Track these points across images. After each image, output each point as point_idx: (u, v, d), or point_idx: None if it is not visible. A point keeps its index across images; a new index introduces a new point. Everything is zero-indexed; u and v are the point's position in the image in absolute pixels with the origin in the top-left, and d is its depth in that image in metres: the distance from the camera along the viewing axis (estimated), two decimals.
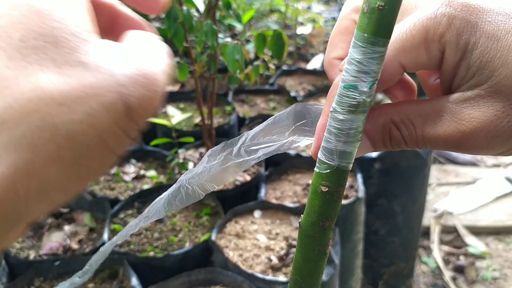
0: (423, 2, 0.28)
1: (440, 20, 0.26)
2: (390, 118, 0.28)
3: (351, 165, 0.28)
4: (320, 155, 0.28)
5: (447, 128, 0.26)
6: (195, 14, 1.13)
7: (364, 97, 0.26)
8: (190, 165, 1.32)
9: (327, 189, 0.28)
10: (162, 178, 1.32)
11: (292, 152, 1.36)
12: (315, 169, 0.29)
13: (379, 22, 0.24)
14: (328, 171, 0.28)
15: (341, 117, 0.27)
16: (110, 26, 0.27)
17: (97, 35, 0.21)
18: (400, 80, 0.31)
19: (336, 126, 0.27)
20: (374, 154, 1.39)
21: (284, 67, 2.12)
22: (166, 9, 0.97)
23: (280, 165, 1.32)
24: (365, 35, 0.25)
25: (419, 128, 0.27)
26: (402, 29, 0.27)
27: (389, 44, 0.26)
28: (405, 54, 0.27)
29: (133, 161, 1.40)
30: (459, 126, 0.26)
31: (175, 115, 1.43)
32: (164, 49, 0.23)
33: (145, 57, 0.21)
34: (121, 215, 1.14)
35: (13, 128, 0.17)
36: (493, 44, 0.25)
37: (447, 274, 1.78)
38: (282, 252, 1.02)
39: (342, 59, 0.31)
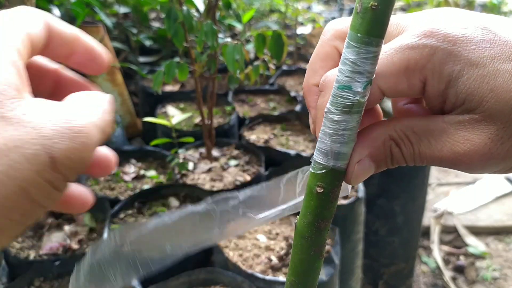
0: (407, 26, 0.28)
1: (422, 50, 0.26)
2: (388, 135, 0.28)
3: (346, 166, 0.28)
4: (315, 156, 0.28)
5: (442, 148, 0.26)
6: (195, 14, 1.13)
7: (358, 98, 0.26)
8: (190, 165, 1.32)
9: (322, 190, 0.28)
10: (162, 178, 1.32)
11: (292, 151, 1.36)
12: (310, 169, 0.29)
13: (373, 22, 0.24)
14: (323, 171, 0.28)
15: (335, 117, 0.26)
16: (56, 90, 0.29)
17: (29, 94, 0.22)
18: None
19: (331, 127, 0.27)
20: None
21: (284, 67, 2.12)
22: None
23: (280, 165, 1.32)
24: (359, 35, 0.25)
25: (416, 145, 0.27)
26: (383, 54, 0.27)
27: None
28: (384, 79, 0.27)
29: (133, 161, 1.40)
30: (454, 147, 0.26)
31: (175, 115, 1.43)
32: (103, 104, 0.25)
33: (75, 112, 0.22)
34: (121, 215, 1.14)
35: None
36: (479, 71, 0.25)
37: (447, 274, 1.78)
38: (282, 252, 1.02)
39: None
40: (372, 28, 0.24)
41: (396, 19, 0.29)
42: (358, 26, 0.25)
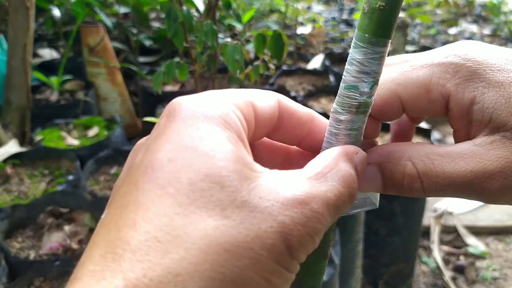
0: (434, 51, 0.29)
1: (447, 67, 0.26)
2: (408, 155, 0.26)
3: None
4: None
5: (473, 169, 0.25)
6: (195, 14, 1.13)
7: (365, 98, 0.26)
8: None
9: None
10: None
11: None
12: None
13: (380, 22, 0.24)
14: None
15: (342, 117, 0.26)
16: (284, 164, 0.29)
17: (260, 167, 0.22)
18: (404, 123, 0.31)
19: (337, 126, 0.27)
20: None
21: (284, 67, 2.12)
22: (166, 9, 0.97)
23: None
24: (366, 35, 0.25)
25: (440, 166, 0.25)
26: (408, 68, 0.27)
27: (392, 78, 0.26)
28: (406, 90, 0.27)
29: None
30: (487, 166, 0.25)
31: None
32: (342, 176, 0.23)
33: (309, 191, 0.21)
34: None
35: (187, 280, 0.17)
36: (505, 90, 0.25)
37: (447, 274, 1.78)
38: None
39: None
40: (380, 29, 0.24)
41: (428, 52, 0.30)
42: (365, 26, 0.25)
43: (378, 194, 0.29)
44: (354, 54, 0.25)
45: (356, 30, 0.25)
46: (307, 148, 0.29)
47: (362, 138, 0.27)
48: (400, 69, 0.28)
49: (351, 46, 0.26)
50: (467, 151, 0.25)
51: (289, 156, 0.29)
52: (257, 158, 0.26)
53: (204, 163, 0.20)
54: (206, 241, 0.18)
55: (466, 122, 0.27)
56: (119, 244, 0.18)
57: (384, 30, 0.24)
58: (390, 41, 0.25)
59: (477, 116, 0.26)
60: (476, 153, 0.25)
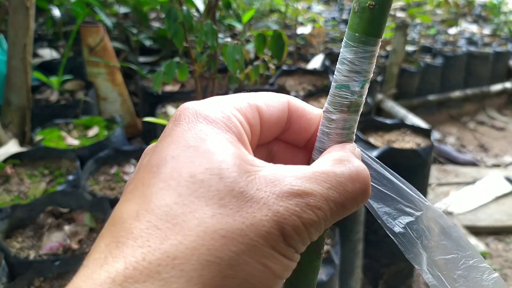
0: None
1: None
2: None
3: None
4: (314, 155, 0.28)
5: None
6: (195, 14, 1.13)
7: (356, 97, 0.26)
8: None
9: None
10: None
11: None
12: None
13: (370, 22, 0.24)
14: None
15: (333, 117, 0.27)
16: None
17: (260, 162, 0.23)
18: None
19: (329, 126, 0.27)
20: (374, 154, 1.39)
21: (284, 67, 2.12)
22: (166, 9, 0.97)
23: None
24: (356, 34, 0.25)
25: None
26: None
27: None
28: None
29: (133, 161, 1.40)
30: None
31: None
32: (346, 172, 0.23)
33: (308, 185, 0.22)
34: None
35: (184, 263, 0.19)
36: None
37: None
38: None
39: None
40: (370, 28, 0.24)
41: None
42: (355, 25, 0.25)
43: None
44: (345, 53, 0.26)
45: (346, 29, 0.26)
46: (311, 148, 0.29)
47: (354, 137, 0.28)
48: None
49: (342, 45, 0.26)
50: None
51: (310, 156, 0.30)
52: (276, 158, 0.27)
53: (205, 158, 0.21)
54: (203, 227, 0.19)
55: None
56: (123, 234, 0.20)
57: (374, 29, 0.25)
58: (380, 40, 0.25)
59: None
60: None
